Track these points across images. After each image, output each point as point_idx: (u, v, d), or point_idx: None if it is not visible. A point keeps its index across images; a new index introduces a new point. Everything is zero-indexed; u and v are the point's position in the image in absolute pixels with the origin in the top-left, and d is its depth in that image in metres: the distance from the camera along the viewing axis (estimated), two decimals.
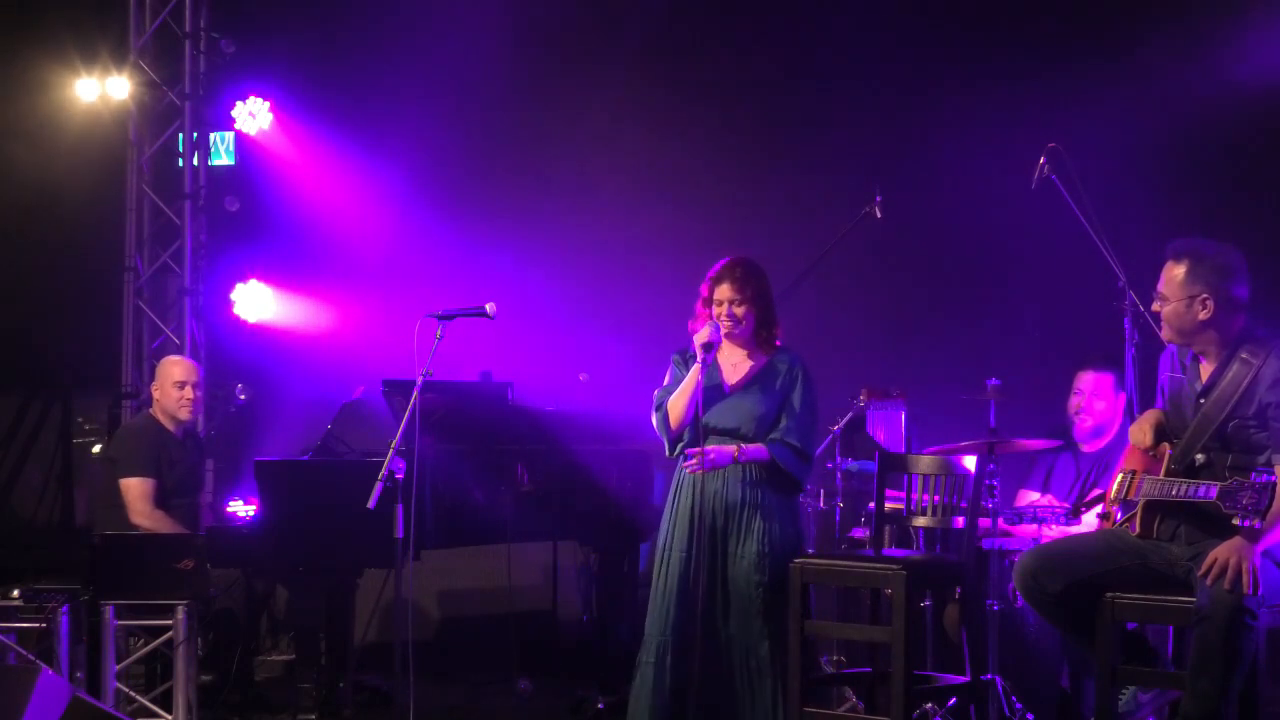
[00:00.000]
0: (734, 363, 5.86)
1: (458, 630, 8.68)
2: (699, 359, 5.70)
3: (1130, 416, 5.83)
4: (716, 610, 5.69)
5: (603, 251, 8.68)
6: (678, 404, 5.78)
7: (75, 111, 9.07)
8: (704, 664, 5.63)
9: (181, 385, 7.27)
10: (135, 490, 7.08)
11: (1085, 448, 6.67)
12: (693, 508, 5.74)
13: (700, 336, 5.71)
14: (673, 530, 5.81)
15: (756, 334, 5.84)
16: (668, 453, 5.91)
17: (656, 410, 5.88)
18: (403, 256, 8.81)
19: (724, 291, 5.77)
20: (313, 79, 9.06)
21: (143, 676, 6.98)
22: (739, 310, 5.77)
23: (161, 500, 7.10)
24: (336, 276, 8.98)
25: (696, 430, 5.74)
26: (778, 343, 5.89)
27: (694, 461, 5.69)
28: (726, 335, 5.80)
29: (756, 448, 5.74)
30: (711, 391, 5.78)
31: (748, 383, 5.82)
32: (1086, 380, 6.63)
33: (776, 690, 5.65)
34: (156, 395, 7.36)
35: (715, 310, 5.79)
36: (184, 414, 7.29)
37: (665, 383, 5.93)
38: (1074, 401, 6.66)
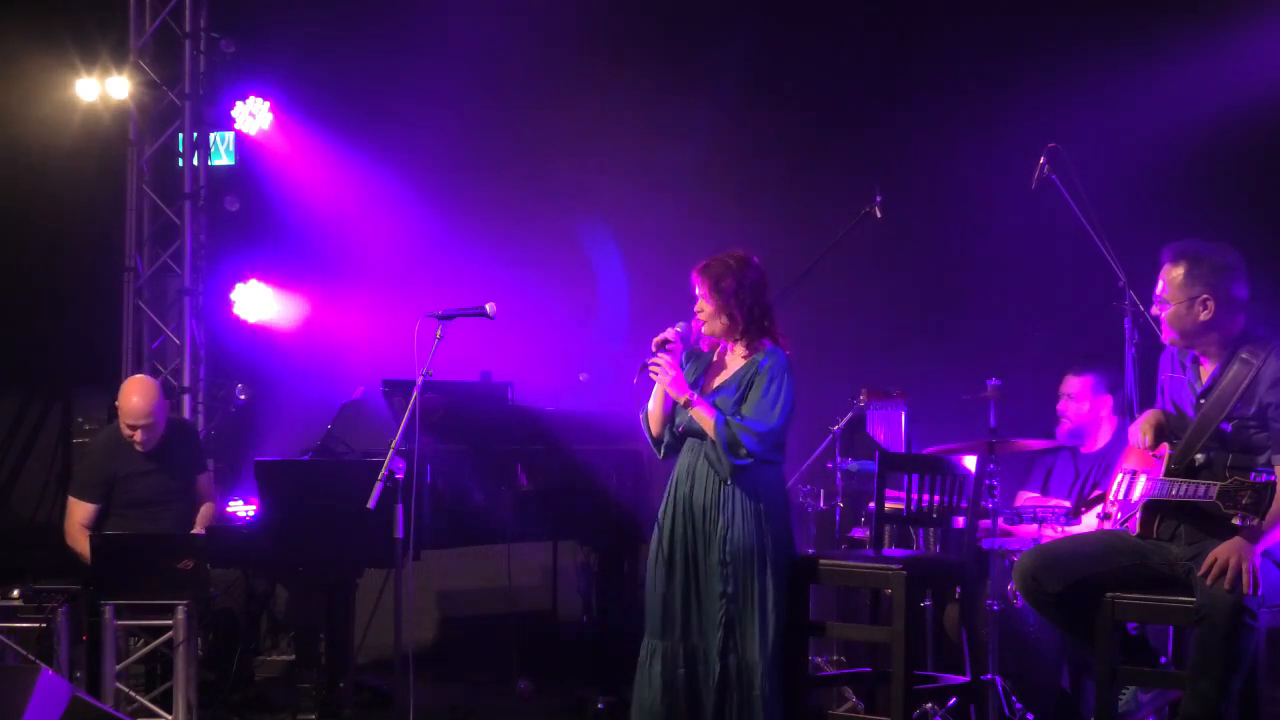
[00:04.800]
0: (715, 363, 5.80)
1: (458, 630, 8.68)
2: (657, 359, 5.61)
3: (1130, 416, 5.83)
4: (676, 616, 5.61)
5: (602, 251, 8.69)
6: (651, 408, 5.74)
7: (75, 111, 9.07)
8: (687, 669, 5.59)
9: (131, 427, 7.14)
10: (69, 510, 7.22)
11: (1083, 448, 6.68)
12: (670, 512, 5.70)
13: (660, 336, 5.66)
14: (657, 532, 5.76)
15: (743, 334, 5.69)
16: (658, 455, 5.84)
17: (642, 414, 5.82)
18: (403, 256, 8.81)
19: (695, 289, 5.72)
20: (313, 79, 9.05)
21: (143, 676, 6.97)
22: (708, 306, 5.67)
23: (122, 511, 7.14)
24: (336, 276, 8.97)
25: (673, 433, 5.71)
26: (767, 343, 5.70)
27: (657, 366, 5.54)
28: (707, 332, 5.73)
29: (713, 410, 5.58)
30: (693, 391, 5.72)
31: (726, 384, 5.71)
32: (1065, 383, 6.66)
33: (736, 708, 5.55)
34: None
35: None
36: (135, 447, 7.19)
37: None
38: (1059, 404, 6.69)
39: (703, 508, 5.63)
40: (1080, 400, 6.61)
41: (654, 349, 5.65)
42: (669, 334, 5.67)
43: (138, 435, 7.16)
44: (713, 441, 5.59)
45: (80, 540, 7.03)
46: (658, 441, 5.80)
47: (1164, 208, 7.29)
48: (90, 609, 6.51)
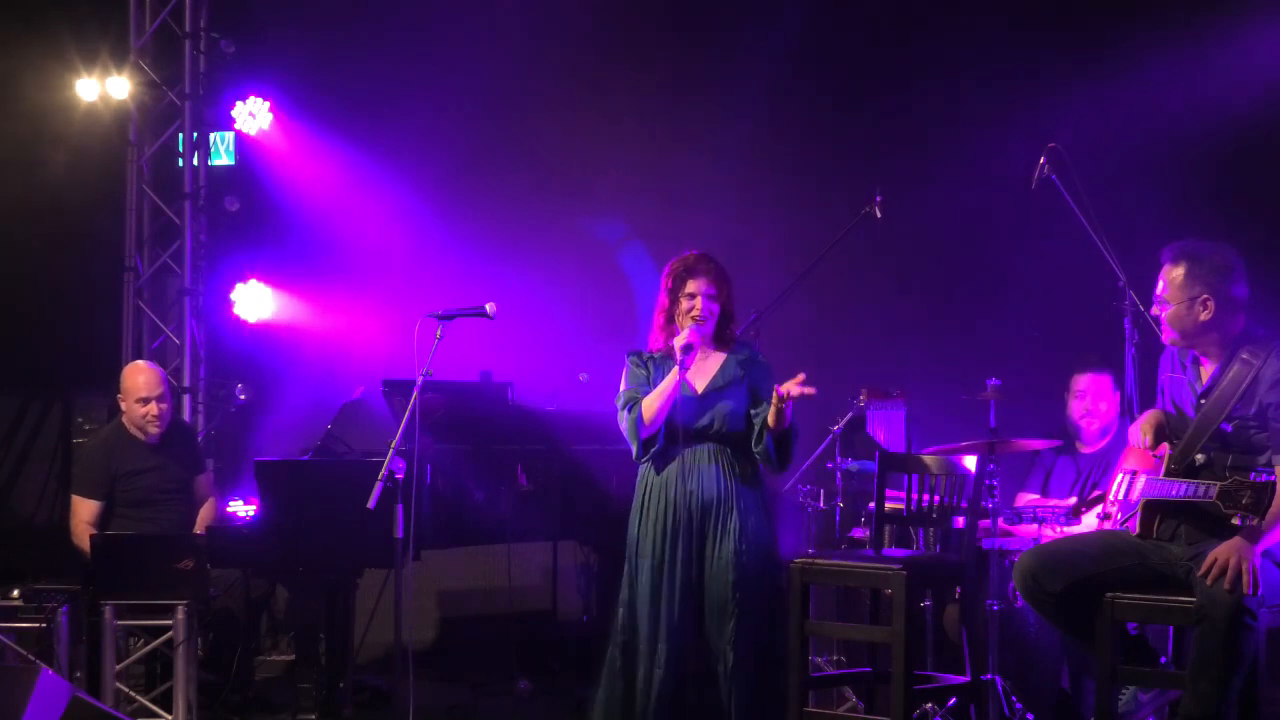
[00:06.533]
0: (696, 361, 5.78)
1: (458, 630, 8.67)
2: (679, 361, 5.62)
3: (1130, 416, 5.84)
4: (687, 616, 5.61)
5: (603, 251, 8.68)
6: (653, 405, 5.68)
7: (75, 111, 9.07)
8: (674, 673, 5.59)
9: (145, 400, 7.11)
10: (74, 508, 7.16)
11: (1085, 449, 6.68)
12: (665, 511, 5.68)
13: (681, 338, 5.65)
14: (642, 536, 5.74)
15: (720, 331, 5.79)
16: (636, 456, 5.79)
17: (627, 412, 5.75)
18: (403, 256, 8.82)
19: (699, 285, 5.71)
20: (313, 79, 9.06)
21: (143, 676, 6.97)
22: (714, 306, 5.72)
23: (123, 510, 7.12)
24: (336, 276, 8.98)
25: (672, 432, 5.68)
26: (736, 339, 5.86)
27: (807, 389, 5.48)
28: (703, 333, 5.73)
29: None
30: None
31: (713, 380, 5.75)
32: (1085, 382, 6.64)
33: (746, 699, 5.56)
34: (123, 407, 7.22)
35: (686, 303, 5.71)
36: (151, 429, 7.15)
37: (623, 386, 5.85)
38: (1077, 405, 6.67)
39: (715, 501, 5.65)
40: (1100, 398, 6.62)
41: (680, 353, 5.65)
42: (692, 338, 5.68)
43: (152, 410, 7.11)
44: (776, 439, 5.62)
45: (88, 540, 7.02)
46: (649, 441, 5.74)
47: (1164, 208, 7.29)
48: (90, 609, 6.51)
